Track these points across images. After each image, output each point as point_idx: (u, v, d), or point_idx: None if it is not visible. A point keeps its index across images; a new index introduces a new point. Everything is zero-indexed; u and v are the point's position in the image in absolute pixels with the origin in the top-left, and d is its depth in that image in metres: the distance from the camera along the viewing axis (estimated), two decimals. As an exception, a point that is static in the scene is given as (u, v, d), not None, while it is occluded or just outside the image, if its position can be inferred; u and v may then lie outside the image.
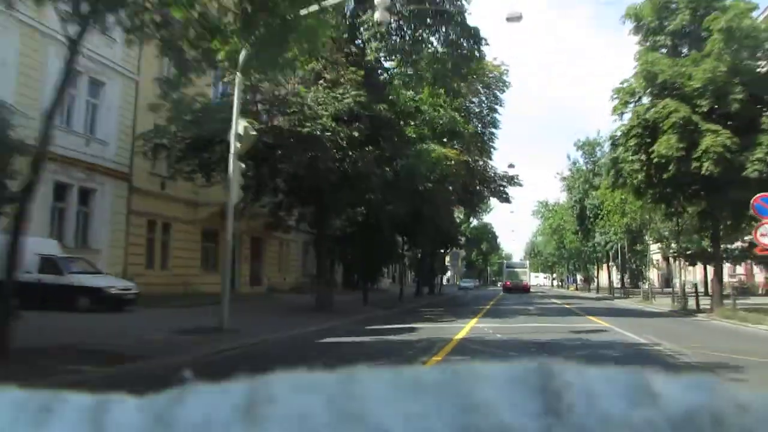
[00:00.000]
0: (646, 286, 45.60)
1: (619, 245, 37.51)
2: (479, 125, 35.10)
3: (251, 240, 33.22)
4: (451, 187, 34.98)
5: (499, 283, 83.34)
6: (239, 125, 12.61)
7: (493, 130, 35.74)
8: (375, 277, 40.07)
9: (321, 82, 18.28)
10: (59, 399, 0.36)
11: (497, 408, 0.34)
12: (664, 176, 17.13)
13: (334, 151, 17.09)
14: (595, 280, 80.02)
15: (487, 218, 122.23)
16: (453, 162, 28.65)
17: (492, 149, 35.29)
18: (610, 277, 44.36)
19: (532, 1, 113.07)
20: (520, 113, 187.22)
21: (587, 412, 0.34)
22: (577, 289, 65.60)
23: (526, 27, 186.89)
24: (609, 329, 13.54)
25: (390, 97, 19.08)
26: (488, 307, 26.45)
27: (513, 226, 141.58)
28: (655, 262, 51.20)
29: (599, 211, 39.62)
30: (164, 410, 0.35)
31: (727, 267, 41.23)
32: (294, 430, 0.33)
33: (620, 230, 33.57)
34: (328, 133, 16.60)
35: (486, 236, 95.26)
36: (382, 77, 18.94)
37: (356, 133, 16.98)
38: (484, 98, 35.48)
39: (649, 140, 17.57)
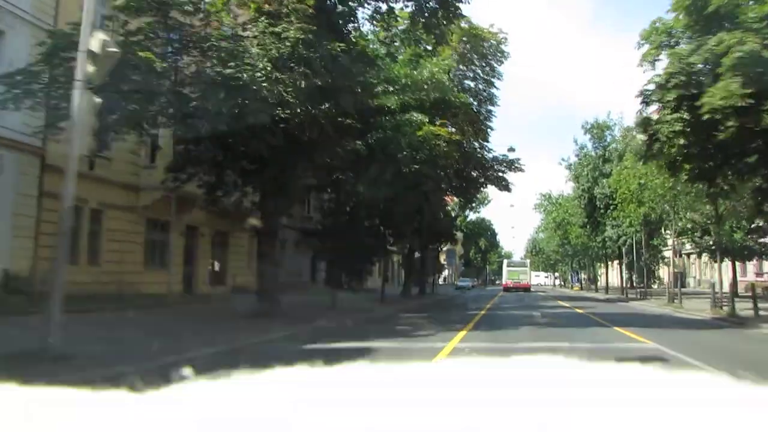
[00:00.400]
0: (657, 286, 41.35)
1: (634, 239, 33.03)
2: (475, 103, 30.58)
3: (214, 233, 28.80)
4: (442, 173, 30.60)
5: (498, 281, 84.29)
6: (92, 39, 8.17)
7: (491, 107, 31.26)
8: (358, 276, 35.78)
9: (262, 18, 13.83)
10: (60, 397, 0.38)
11: (499, 404, 0.34)
12: (720, 136, 12.59)
13: (279, 109, 12.68)
14: (600, 278, 75.62)
15: (485, 214, 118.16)
16: (444, 143, 24.23)
17: (489, 129, 30.76)
18: (622, 276, 39.89)
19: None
20: (521, 103, 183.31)
21: (590, 405, 0.36)
22: (581, 288, 61.20)
23: (525, 23, 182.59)
24: (662, 353, 8.93)
25: (350, 35, 14.58)
26: (483, 312, 22.00)
27: (513, 223, 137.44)
28: (666, 258, 46.89)
29: (611, 201, 35.16)
30: (165, 407, 0.35)
31: (753, 264, 36.83)
32: (295, 426, 0.32)
33: (637, 221, 29.12)
34: (264, 83, 12.14)
35: (484, 232, 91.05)
36: (339, 10, 14.41)
37: (302, 82, 12.54)
38: (479, 71, 31.00)
39: (694, 91, 13.11)
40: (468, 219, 47.38)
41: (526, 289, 51.97)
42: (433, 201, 27.82)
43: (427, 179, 25.32)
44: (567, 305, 28.04)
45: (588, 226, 37.84)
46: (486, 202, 43.75)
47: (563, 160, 40.60)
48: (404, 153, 22.47)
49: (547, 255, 73.73)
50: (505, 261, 66.73)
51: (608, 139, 36.98)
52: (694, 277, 50.66)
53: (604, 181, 35.23)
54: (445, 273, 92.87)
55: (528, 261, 68.34)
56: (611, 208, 35.27)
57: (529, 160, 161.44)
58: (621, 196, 29.14)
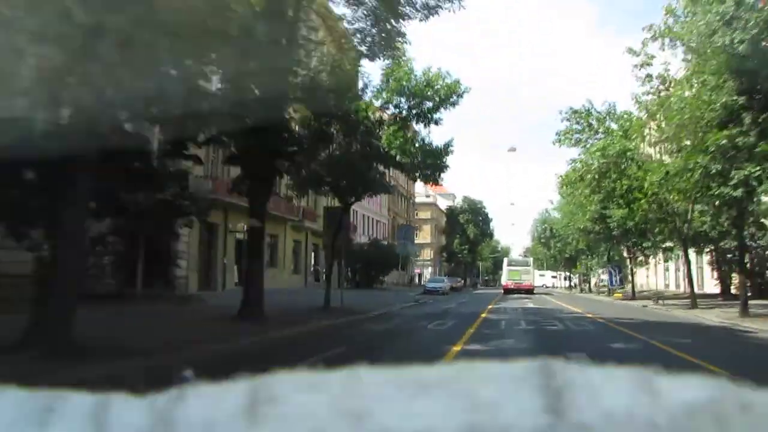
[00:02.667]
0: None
1: None
2: None
3: None
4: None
5: (478, 283, 79.31)
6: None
7: None
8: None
9: None
10: (61, 398, 0.36)
11: (499, 406, 0.33)
12: None
13: None
14: (632, 279, 51.51)
15: (476, 194, 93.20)
16: None
17: None
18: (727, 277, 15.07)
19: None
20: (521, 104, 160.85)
21: (589, 409, 0.33)
22: (623, 296, 37.42)
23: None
24: None
25: None
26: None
27: (512, 215, 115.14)
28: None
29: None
30: (166, 409, 0.34)
31: None
32: (296, 429, 0.32)
33: None
34: None
35: (474, 214, 68.37)
36: None
37: None
38: None
39: None
40: (418, 141, 20.65)
41: (529, 290, 48.07)
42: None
43: None
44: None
45: (748, 118, 13.19)
46: (458, 96, 18.33)
47: (630, 52, 16.65)
48: None
49: (564, 243, 50.40)
50: (505, 259, 61.52)
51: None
52: None
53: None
54: (428, 271, 69.50)
55: (531, 259, 59.78)
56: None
57: (528, 163, 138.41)
58: None
